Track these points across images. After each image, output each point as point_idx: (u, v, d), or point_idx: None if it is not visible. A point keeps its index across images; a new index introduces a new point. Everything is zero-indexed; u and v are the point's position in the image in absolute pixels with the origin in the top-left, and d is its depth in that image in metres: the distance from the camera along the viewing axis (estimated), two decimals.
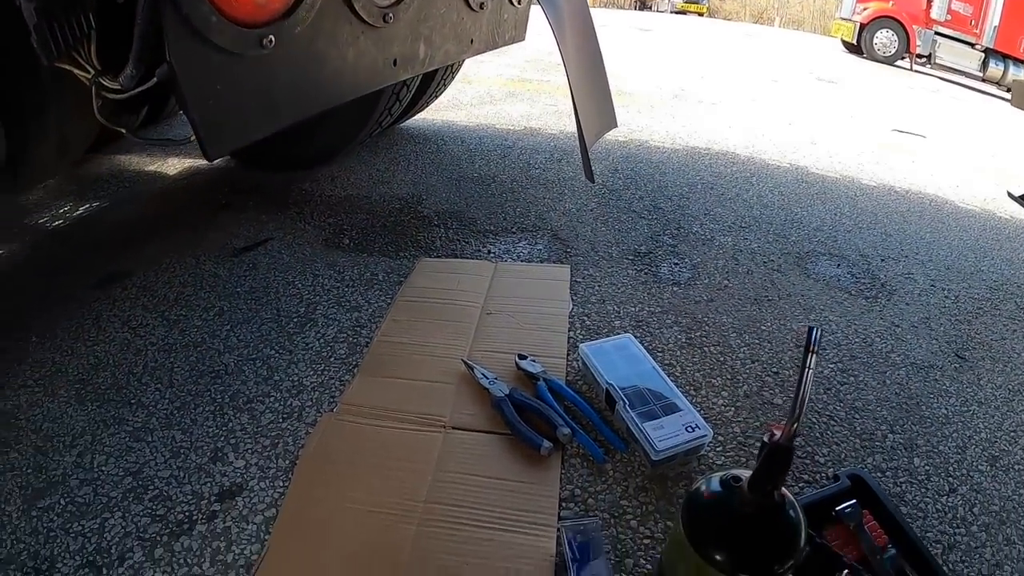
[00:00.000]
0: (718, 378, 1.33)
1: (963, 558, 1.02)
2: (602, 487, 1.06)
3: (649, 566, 0.95)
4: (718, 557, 0.68)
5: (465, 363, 1.28)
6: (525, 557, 0.93)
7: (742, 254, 1.85)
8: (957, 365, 1.46)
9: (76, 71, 1.01)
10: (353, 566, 0.93)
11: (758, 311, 1.57)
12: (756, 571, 0.68)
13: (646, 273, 1.71)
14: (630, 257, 1.79)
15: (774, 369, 1.37)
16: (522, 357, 1.29)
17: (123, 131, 1.16)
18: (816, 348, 0.60)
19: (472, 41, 1.73)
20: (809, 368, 0.61)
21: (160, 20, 0.90)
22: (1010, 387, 1.41)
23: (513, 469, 1.07)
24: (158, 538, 1.02)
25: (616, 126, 2.20)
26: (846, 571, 0.88)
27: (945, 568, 0.98)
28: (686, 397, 1.24)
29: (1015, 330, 1.62)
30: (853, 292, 1.70)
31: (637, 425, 1.09)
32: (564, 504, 1.03)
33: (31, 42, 0.89)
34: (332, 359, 1.35)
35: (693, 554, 0.69)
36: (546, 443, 1.09)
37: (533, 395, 1.21)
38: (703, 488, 0.74)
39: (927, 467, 1.17)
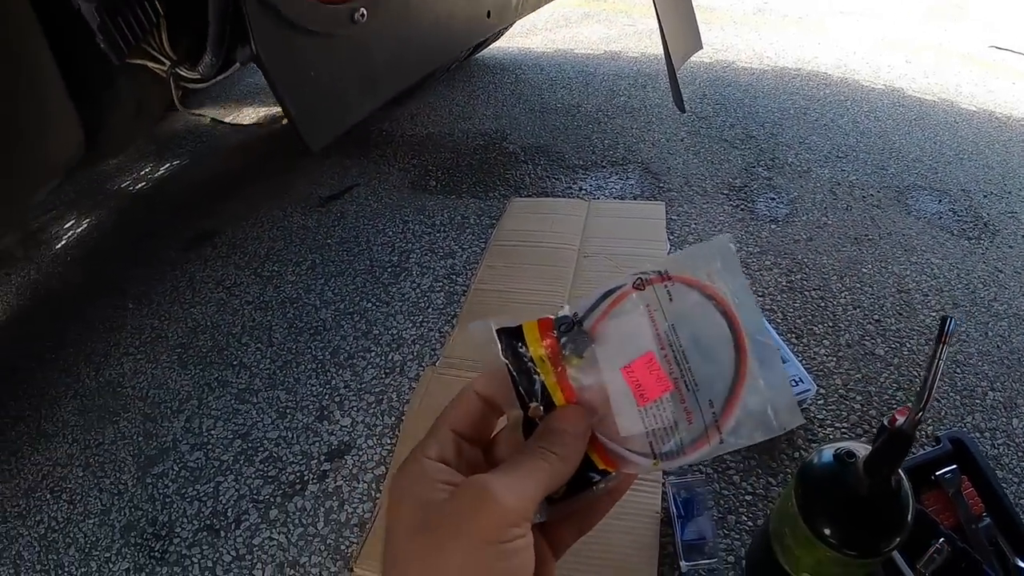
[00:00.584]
0: (819, 325, 1.31)
1: None
2: None
3: (751, 522, 0.97)
4: (827, 532, 0.69)
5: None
6: (632, 513, 0.96)
7: (840, 188, 1.76)
8: None
9: (150, 64, 1.00)
10: None
11: (859, 252, 1.51)
12: (864, 549, 0.69)
13: (742, 209, 1.66)
14: (725, 192, 1.73)
15: (876, 317, 1.33)
16: None
17: (215, 118, 1.15)
18: (949, 338, 0.58)
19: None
20: (940, 359, 0.59)
21: (239, 2, 0.86)
22: None
23: None
24: (272, 499, 1.08)
25: (701, 48, 2.09)
26: (942, 539, 0.87)
27: None
28: (788, 346, 1.24)
29: None
30: (955, 232, 1.60)
31: None
32: None
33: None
34: (429, 310, 1.38)
35: (803, 526, 0.70)
36: None
37: None
38: (816, 461, 0.74)
39: None
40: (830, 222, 1.62)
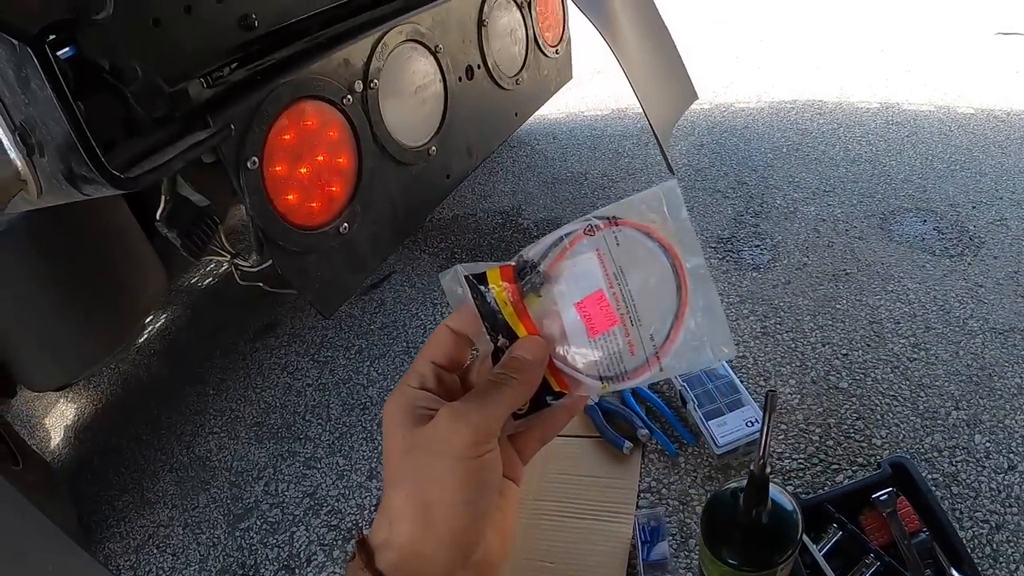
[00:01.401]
0: (787, 366, 1.45)
1: (1009, 538, 1.06)
2: (675, 478, 1.28)
3: None
4: (721, 552, 0.86)
5: None
6: (608, 541, 1.18)
7: (824, 224, 1.88)
8: None
9: (216, 257, 1.36)
10: None
11: (835, 288, 1.63)
12: (746, 564, 0.85)
13: (728, 260, 1.81)
14: (713, 244, 1.89)
15: (844, 351, 1.45)
16: None
17: (261, 284, 1.52)
18: (773, 410, 0.76)
19: (516, 114, 1.98)
20: (767, 426, 0.76)
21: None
22: None
23: (601, 467, 1.32)
24: (335, 543, 1.35)
25: (696, 98, 2.26)
26: (871, 555, 1.01)
27: (989, 547, 1.05)
28: (757, 387, 1.40)
29: None
30: (937, 252, 1.68)
31: (703, 422, 1.30)
32: (642, 494, 1.26)
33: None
34: None
35: (708, 553, 0.88)
36: (627, 443, 1.32)
37: (619, 400, 1.43)
38: (716, 498, 0.91)
39: (988, 444, 1.21)
40: (810, 262, 1.74)
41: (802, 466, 1.25)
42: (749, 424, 1.27)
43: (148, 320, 2.29)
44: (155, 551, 1.46)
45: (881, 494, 1.07)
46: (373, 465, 1.49)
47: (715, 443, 1.25)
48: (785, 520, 0.86)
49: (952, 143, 2.20)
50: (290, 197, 1.23)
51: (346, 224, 1.35)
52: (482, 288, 0.44)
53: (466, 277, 0.45)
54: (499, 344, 0.45)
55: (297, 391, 1.76)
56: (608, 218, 0.42)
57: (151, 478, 1.66)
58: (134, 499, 1.62)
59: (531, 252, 0.44)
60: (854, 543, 1.05)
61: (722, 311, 0.42)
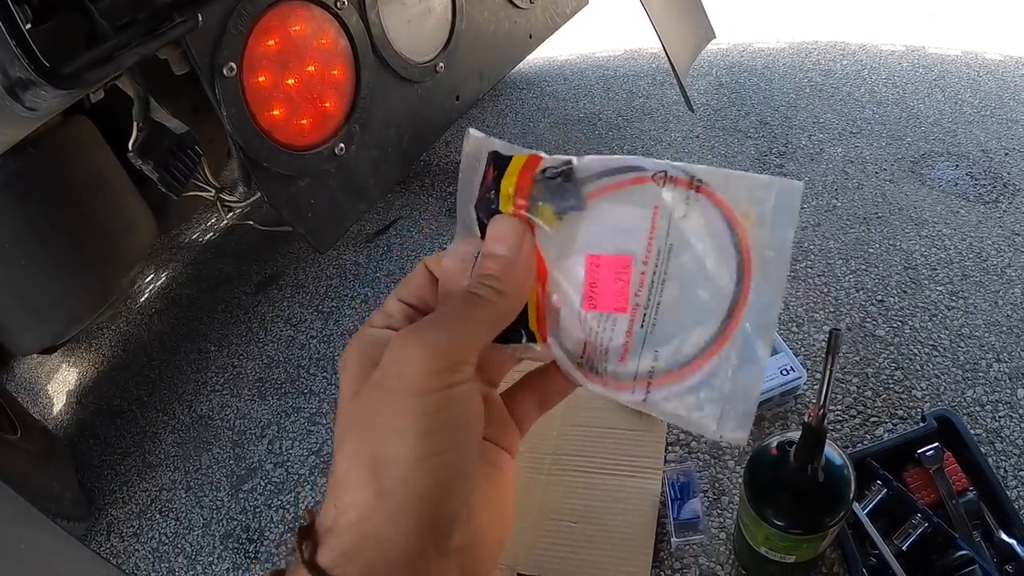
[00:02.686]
0: (821, 311, 1.39)
1: None
2: None
3: None
4: (766, 513, 0.79)
5: None
6: (635, 499, 1.11)
7: (852, 166, 1.81)
8: None
9: (202, 193, 1.24)
10: None
11: (866, 232, 1.57)
12: (794, 526, 0.78)
13: None
14: None
15: (879, 297, 1.39)
16: None
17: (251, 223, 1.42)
18: (837, 351, 0.66)
19: (531, 36, 1.83)
20: (830, 370, 0.67)
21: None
22: None
23: (627, 419, 1.24)
24: None
25: (714, 36, 2.15)
26: (919, 515, 0.94)
27: None
28: (789, 334, 1.34)
29: None
30: (971, 198, 1.61)
31: None
32: (670, 448, 1.19)
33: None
34: None
35: (752, 513, 0.81)
36: None
37: None
38: (761, 452, 0.83)
39: None
40: (839, 204, 1.67)
41: (840, 418, 1.20)
42: (784, 372, 1.19)
43: (148, 279, 2.22)
44: (158, 516, 1.41)
45: (927, 449, 1.01)
46: None
47: None
48: (837, 478, 0.78)
49: (981, 89, 2.10)
50: (276, 112, 1.12)
51: (342, 145, 1.24)
52: (498, 175, 0.33)
53: (490, 153, 0.35)
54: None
55: (301, 344, 1.69)
56: (691, 177, 0.30)
57: (152, 440, 1.60)
58: (136, 463, 1.56)
59: (583, 162, 0.32)
60: (899, 502, 0.98)
61: (757, 384, 0.29)
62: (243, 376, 1.66)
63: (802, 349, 1.31)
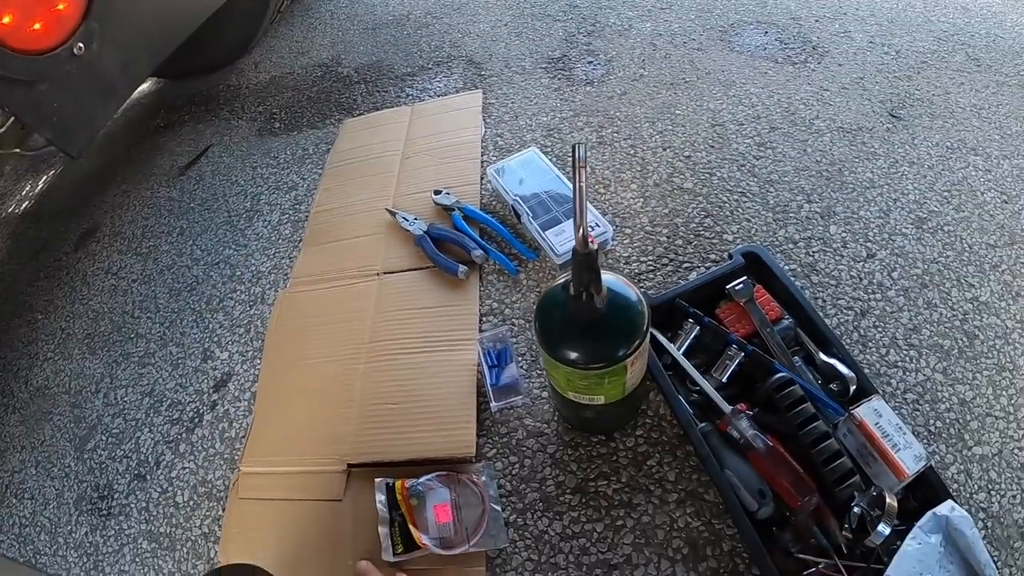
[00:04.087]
0: (628, 172, 1.40)
1: (876, 323, 1.07)
2: (517, 296, 1.21)
3: None
4: (563, 352, 0.77)
5: (388, 211, 1.40)
6: (452, 371, 1.10)
7: (661, 38, 1.81)
8: (889, 125, 1.41)
9: None
10: (318, 409, 1.13)
11: (673, 96, 1.58)
12: (601, 359, 0.76)
13: (559, 79, 1.72)
14: (543, 66, 1.79)
15: (686, 153, 1.41)
16: (437, 192, 1.39)
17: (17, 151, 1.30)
18: (584, 164, 0.65)
19: None
20: (580, 185, 0.66)
21: None
22: (948, 144, 1.35)
23: (437, 297, 1.22)
24: (179, 437, 1.24)
25: None
26: (734, 345, 0.97)
27: (856, 333, 1.05)
28: (596, 195, 1.34)
29: (961, 83, 1.50)
30: (780, 60, 1.64)
31: (540, 233, 1.22)
32: (485, 318, 1.19)
33: None
34: (280, 241, 1.49)
35: (547, 355, 0.79)
36: (462, 267, 1.23)
37: (450, 226, 1.33)
38: (548, 293, 0.82)
39: (844, 234, 1.20)
40: (646, 73, 1.67)
41: (651, 268, 1.22)
42: (592, 228, 1.19)
43: None
44: (14, 501, 1.31)
45: (736, 283, 1.04)
46: (207, 346, 1.36)
47: (555, 253, 1.18)
48: (627, 309, 0.78)
49: None
50: (6, 20, 1.02)
51: (80, 44, 1.15)
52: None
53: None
54: None
55: (123, 290, 1.59)
56: None
57: None
58: None
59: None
60: (714, 337, 1.01)
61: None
62: (72, 336, 1.55)
63: (610, 208, 1.32)
